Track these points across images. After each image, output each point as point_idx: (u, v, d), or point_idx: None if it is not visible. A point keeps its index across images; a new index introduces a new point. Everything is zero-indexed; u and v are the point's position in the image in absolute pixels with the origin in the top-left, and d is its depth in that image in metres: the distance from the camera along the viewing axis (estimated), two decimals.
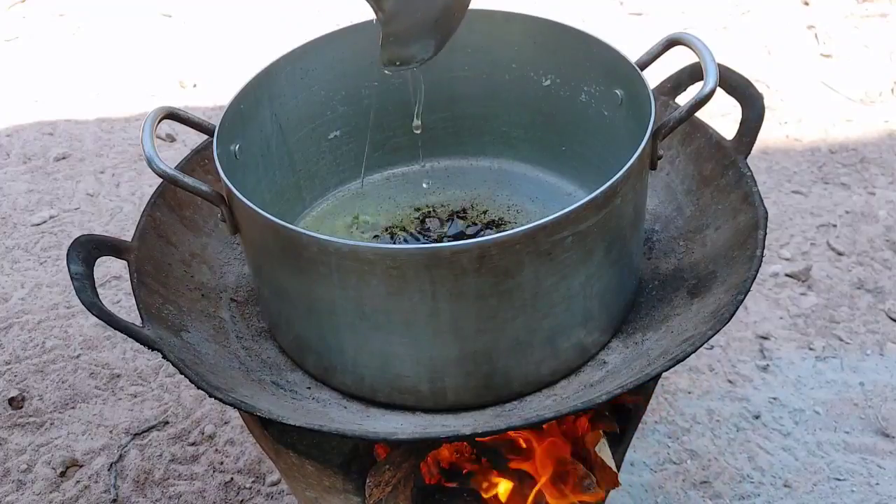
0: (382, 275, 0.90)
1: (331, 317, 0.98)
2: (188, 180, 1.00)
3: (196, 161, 1.24)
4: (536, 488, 1.07)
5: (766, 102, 1.17)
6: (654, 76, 1.14)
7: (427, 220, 1.25)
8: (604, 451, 1.13)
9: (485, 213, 1.25)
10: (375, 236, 1.24)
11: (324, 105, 1.24)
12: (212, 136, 1.07)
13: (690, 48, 1.01)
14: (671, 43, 1.06)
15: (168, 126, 2.45)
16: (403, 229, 1.24)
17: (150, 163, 0.98)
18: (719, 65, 1.03)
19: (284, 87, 1.19)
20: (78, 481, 1.62)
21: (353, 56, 1.23)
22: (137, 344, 1.01)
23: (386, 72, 1.08)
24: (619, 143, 1.09)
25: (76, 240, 1.04)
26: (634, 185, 0.97)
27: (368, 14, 1.07)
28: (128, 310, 1.93)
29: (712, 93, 0.95)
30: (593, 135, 1.19)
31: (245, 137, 1.12)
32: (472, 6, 1.16)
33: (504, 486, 1.07)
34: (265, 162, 1.14)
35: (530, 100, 1.25)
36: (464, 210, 1.26)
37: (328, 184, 1.30)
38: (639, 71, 1.05)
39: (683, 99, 1.23)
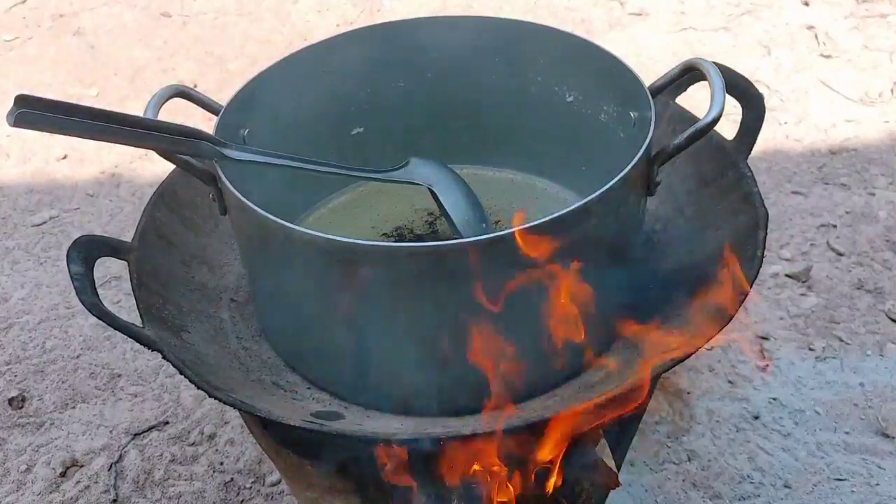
0: (378, 273, 0.90)
1: (324, 317, 0.98)
2: (181, 156, 1.01)
3: None
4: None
5: (766, 103, 1.17)
6: (658, 72, 1.14)
7: (437, 222, 1.25)
8: (604, 452, 1.13)
9: (496, 223, 1.25)
10: (384, 235, 1.24)
11: (347, 101, 1.25)
12: None
13: (703, 74, 1.01)
14: (688, 69, 1.06)
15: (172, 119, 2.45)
16: (412, 231, 1.24)
17: None
18: (719, 65, 1.03)
19: (306, 79, 1.19)
20: (78, 481, 1.62)
21: (380, 56, 1.23)
22: (137, 344, 1.01)
23: None
24: None
25: (76, 240, 1.04)
26: (617, 207, 0.96)
27: (379, 17, 1.07)
28: (128, 310, 1.92)
29: (715, 122, 0.96)
30: (612, 155, 1.18)
31: (256, 123, 1.12)
32: (502, 15, 1.16)
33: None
34: (281, 150, 1.14)
35: (554, 114, 1.25)
36: None
37: (348, 179, 1.30)
38: (648, 95, 1.05)
39: (683, 99, 1.23)
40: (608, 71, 1.13)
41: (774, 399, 1.70)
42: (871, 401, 1.69)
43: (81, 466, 1.65)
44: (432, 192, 1.17)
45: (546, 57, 1.22)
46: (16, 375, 1.84)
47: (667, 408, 1.68)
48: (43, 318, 1.96)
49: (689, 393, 1.71)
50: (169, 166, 1.11)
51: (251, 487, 1.59)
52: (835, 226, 2.07)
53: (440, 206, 1.17)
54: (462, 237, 1.12)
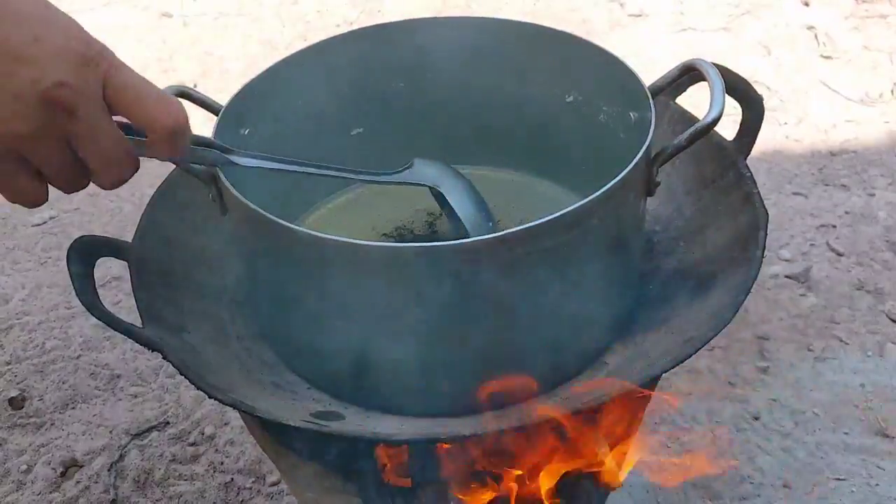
0: (378, 273, 0.90)
1: (323, 317, 0.98)
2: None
3: None
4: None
5: (766, 103, 1.17)
6: (658, 73, 1.14)
7: (437, 223, 1.26)
8: (604, 452, 1.13)
9: (496, 223, 1.25)
10: (384, 235, 1.24)
11: (347, 101, 1.25)
12: None
13: (703, 74, 1.01)
14: (687, 69, 1.06)
15: None
16: (412, 231, 1.25)
17: None
18: (719, 65, 1.03)
19: (307, 79, 1.19)
20: (78, 481, 1.62)
21: (380, 56, 1.23)
22: (138, 345, 1.01)
23: None
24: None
25: (76, 240, 1.04)
26: (617, 208, 0.96)
27: (379, 17, 1.07)
28: (128, 310, 1.92)
29: (715, 122, 0.95)
30: (612, 155, 1.18)
31: (257, 123, 1.13)
32: (502, 16, 1.16)
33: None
34: (280, 151, 1.14)
35: (554, 115, 1.24)
36: None
37: (348, 179, 1.30)
38: (648, 95, 1.04)
39: (683, 99, 1.23)
40: (608, 71, 1.13)
41: (774, 400, 1.70)
42: (871, 401, 1.69)
43: (81, 466, 1.65)
44: (438, 193, 1.17)
45: (546, 57, 1.22)
46: (16, 375, 1.84)
47: (667, 408, 1.68)
48: (43, 319, 1.96)
49: (689, 394, 1.71)
50: (169, 166, 1.11)
51: (251, 487, 1.59)
52: (834, 226, 2.08)
53: (447, 206, 1.17)
54: (471, 237, 1.12)
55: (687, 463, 1.39)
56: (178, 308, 1.10)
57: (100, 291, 1.03)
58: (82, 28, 0.72)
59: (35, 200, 0.78)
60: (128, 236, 1.15)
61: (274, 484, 1.59)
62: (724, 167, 1.15)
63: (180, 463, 1.64)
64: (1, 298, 2.03)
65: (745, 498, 1.53)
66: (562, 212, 0.89)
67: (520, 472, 1.08)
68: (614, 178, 0.92)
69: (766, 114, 1.16)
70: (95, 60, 0.71)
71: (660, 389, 1.68)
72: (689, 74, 1.08)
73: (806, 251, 2.01)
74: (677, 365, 0.92)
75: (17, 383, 1.82)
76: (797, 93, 2.53)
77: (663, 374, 0.99)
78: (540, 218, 0.89)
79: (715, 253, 1.10)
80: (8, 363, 1.86)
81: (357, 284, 0.91)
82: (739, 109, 1.16)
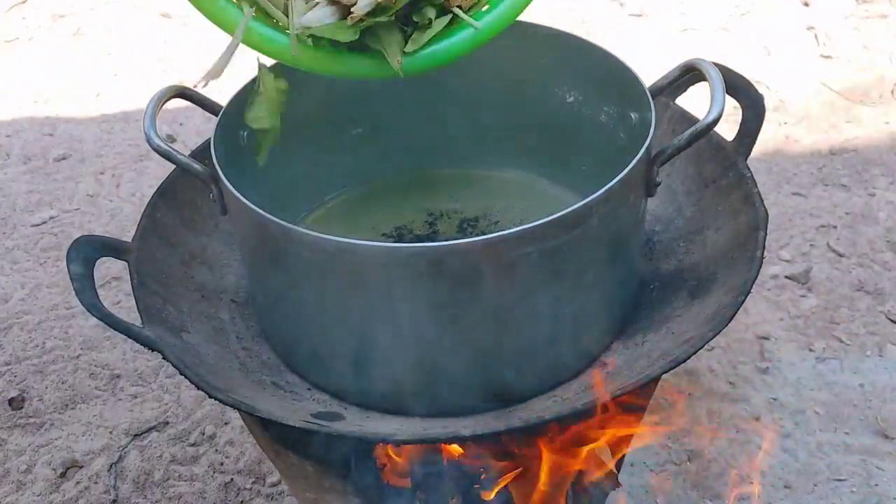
0: (378, 273, 0.90)
1: (323, 317, 0.98)
2: (181, 157, 1.02)
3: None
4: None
5: (767, 103, 1.17)
6: (658, 73, 1.14)
7: (437, 223, 1.26)
8: (604, 452, 1.13)
9: (496, 223, 1.25)
10: (384, 235, 1.25)
11: (347, 101, 1.25)
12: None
13: (703, 74, 1.01)
14: (688, 69, 1.06)
15: (168, 127, 2.45)
16: (412, 231, 1.25)
17: (148, 138, 0.99)
18: (719, 65, 1.03)
19: (306, 78, 1.19)
20: (78, 482, 1.62)
21: None
22: (137, 344, 1.02)
23: None
24: None
25: (76, 240, 1.04)
26: (617, 208, 0.96)
27: None
28: (128, 310, 1.92)
29: (715, 122, 0.96)
30: (612, 156, 1.18)
31: None
32: None
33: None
34: (279, 150, 1.14)
35: (554, 116, 1.25)
36: (475, 219, 1.26)
37: (348, 179, 1.31)
38: (649, 95, 1.05)
39: (683, 100, 1.23)
40: (608, 71, 1.13)
41: (774, 399, 1.70)
42: (871, 401, 1.69)
43: (81, 467, 1.65)
44: None
45: (546, 57, 1.22)
46: (16, 375, 1.84)
47: (667, 409, 1.68)
48: (43, 319, 1.96)
49: (689, 394, 1.71)
50: (169, 166, 1.11)
51: (251, 488, 1.59)
52: (835, 227, 2.07)
53: None
54: None
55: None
56: (178, 308, 1.10)
57: (100, 291, 1.03)
58: None
59: None
60: (128, 236, 1.15)
61: (274, 484, 1.59)
62: (724, 167, 1.15)
63: (180, 464, 1.64)
64: (1, 298, 2.03)
65: (745, 498, 1.53)
66: (562, 212, 0.89)
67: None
68: (614, 178, 0.92)
69: (766, 113, 1.16)
70: None
71: (661, 389, 1.69)
72: (689, 74, 1.08)
73: (806, 251, 2.01)
74: (677, 365, 0.92)
75: (17, 383, 1.82)
76: (797, 93, 2.52)
77: (663, 375, 0.99)
78: (540, 218, 0.89)
79: (715, 253, 1.10)
80: (8, 363, 1.86)
81: (356, 284, 0.91)
82: (739, 109, 1.16)
